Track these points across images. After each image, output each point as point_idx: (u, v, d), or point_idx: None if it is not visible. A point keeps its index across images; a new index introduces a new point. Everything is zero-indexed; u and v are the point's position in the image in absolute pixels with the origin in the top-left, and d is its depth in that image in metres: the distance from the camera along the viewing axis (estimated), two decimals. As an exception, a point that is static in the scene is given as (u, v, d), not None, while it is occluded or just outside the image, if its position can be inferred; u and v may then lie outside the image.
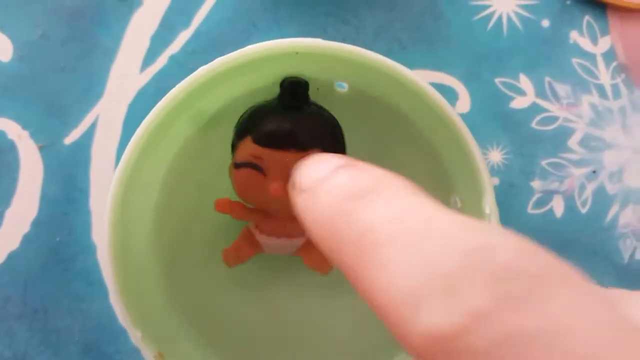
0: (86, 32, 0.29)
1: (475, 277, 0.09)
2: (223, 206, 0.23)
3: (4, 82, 0.29)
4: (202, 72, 0.21)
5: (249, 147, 0.22)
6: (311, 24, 0.29)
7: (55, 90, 0.28)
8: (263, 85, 0.23)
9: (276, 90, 0.23)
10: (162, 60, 0.29)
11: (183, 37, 0.29)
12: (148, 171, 0.22)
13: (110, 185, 0.21)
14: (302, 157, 0.21)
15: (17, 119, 0.28)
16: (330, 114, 0.23)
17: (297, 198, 0.13)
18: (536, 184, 0.28)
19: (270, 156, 0.21)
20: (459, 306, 0.09)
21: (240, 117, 0.23)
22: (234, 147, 0.23)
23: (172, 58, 0.29)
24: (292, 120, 0.22)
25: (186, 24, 0.29)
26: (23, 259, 0.28)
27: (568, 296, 0.09)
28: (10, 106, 0.28)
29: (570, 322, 0.08)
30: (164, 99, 0.21)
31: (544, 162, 0.28)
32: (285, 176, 0.22)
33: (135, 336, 0.21)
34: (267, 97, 0.23)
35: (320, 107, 0.23)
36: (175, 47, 0.29)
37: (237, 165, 0.22)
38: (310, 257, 0.25)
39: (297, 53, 0.22)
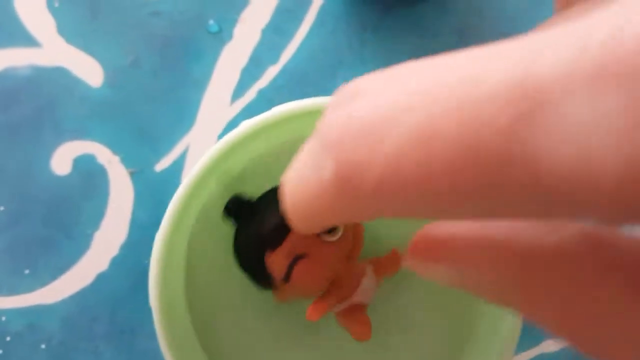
0: (177, 63, 0.30)
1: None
2: (319, 312, 0.22)
3: (95, 107, 0.29)
4: (233, 136, 0.22)
5: (278, 257, 0.21)
6: (395, 63, 0.30)
7: (146, 118, 0.29)
8: (284, 141, 0.24)
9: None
10: (251, 94, 0.30)
11: (271, 73, 0.30)
12: (182, 230, 0.24)
13: (153, 249, 0.22)
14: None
15: (108, 144, 0.29)
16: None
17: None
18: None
19: (295, 240, 0.21)
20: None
21: (237, 257, 0.23)
22: (265, 282, 0.22)
23: (260, 92, 0.30)
24: (267, 215, 0.22)
25: (274, 59, 0.30)
26: (111, 281, 0.28)
27: None
28: (100, 131, 0.29)
29: None
30: (202, 159, 0.22)
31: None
32: (315, 237, 0.21)
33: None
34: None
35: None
36: (263, 81, 0.30)
37: (287, 278, 0.21)
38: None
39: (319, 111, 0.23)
